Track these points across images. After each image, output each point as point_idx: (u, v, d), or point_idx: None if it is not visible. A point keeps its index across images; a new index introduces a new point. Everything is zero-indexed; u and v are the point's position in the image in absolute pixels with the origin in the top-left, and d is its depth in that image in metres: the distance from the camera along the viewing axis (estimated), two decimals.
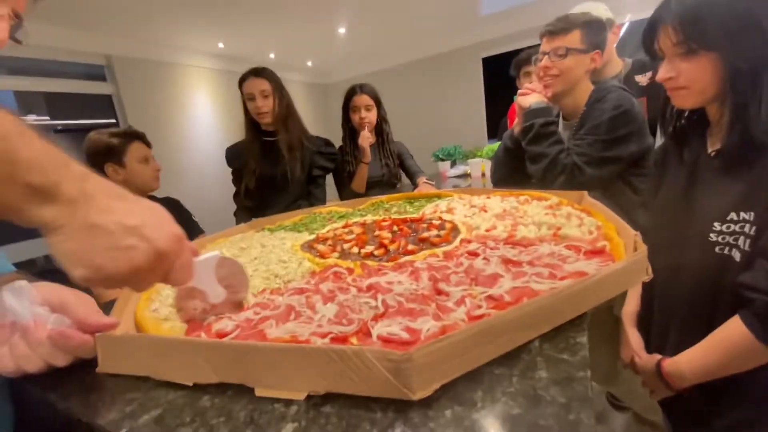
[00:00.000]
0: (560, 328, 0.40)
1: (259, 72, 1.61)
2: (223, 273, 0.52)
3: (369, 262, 0.68)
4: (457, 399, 0.32)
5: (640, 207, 1.02)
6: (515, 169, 1.41)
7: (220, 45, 3.97)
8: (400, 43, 4.67)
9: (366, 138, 1.83)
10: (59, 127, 4.20)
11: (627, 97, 1.16)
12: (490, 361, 0.36)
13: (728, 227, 0.69)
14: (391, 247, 0.76)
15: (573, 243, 0.61)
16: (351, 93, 1.93)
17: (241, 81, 1.63)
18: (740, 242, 0.67)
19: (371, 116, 1.90)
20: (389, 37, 4.38)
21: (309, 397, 0.35)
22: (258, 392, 0.37)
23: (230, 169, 1.79)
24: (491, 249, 0.65)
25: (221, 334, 0.46)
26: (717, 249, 0.70)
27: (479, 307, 0.45)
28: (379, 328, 0.42)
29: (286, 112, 1.64)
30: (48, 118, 3.92)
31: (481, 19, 4.13)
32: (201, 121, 4.10)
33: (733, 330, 0.67)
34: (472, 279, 0.54)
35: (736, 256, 0.68)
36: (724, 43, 0.65)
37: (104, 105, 3.48)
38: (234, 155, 1.75)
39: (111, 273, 0.35)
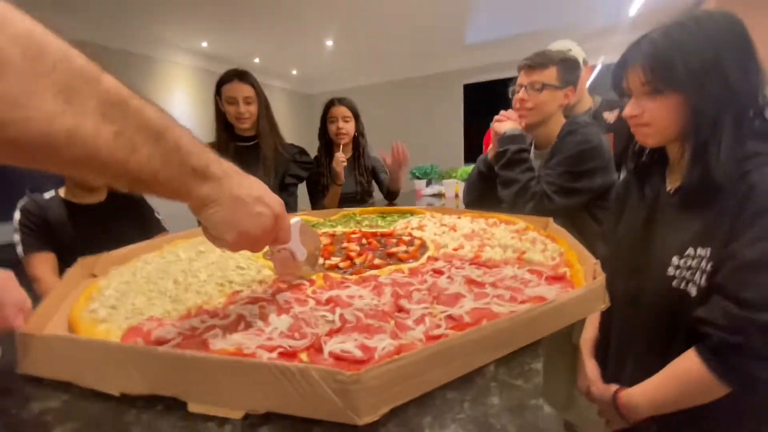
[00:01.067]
0: (516, 353, 0.39)
1: (243, 76, 1.55)
2: (304, 236, 0.58)
3: (332, 274, 0.66)
4: (406, 425, 0.30)
5: (600, 239, 1.05)
6: (487, 193, 1.44)
7: (204, 44, 3.90)
8: (385, 61, 4.76)
9: (339, 162, 1.80)
10: None
11: (596, 133, 1.22)
12: (443, 384, 0.35)
13: (685, 262, 0.71)
14: (357, 260, 0.74)
15: (536, 267, 0.62)
16: (329, 104, 1.93)
17: (222, 82, 1.56)
18: (696, 277, 0.69)
19: (348, 128, 1.90)
20: (376, 54, 4.45)
21: (247, 417, 0.32)
22: (191, 408, 0.34)
23: None
24: (456, 268, 0.65)
25: (161, 341, 0.42)
26: (674, 283, 0.72)
27: (438, 326, 0.43)
28: (332, 345, 0.39)
29: (267, 119, 1.60)
30: None
31: (465, 48, 4.29)
32: (177, 119, 3.97)
33: (688, 364, 0.68)
34: (434, 297, 0.52)
35: (692, 291, 0.70)
36: (690, 85, 0.68)
37: None
38: None
39: (252, 235, 0.42)
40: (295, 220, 0.56)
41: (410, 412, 0.31)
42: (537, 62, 1.27)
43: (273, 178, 1.59)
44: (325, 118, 1.94)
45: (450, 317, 0.46)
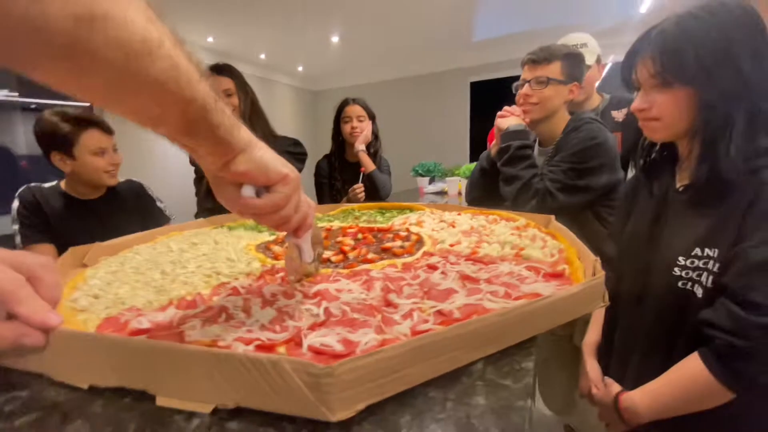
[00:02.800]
0: (507, 351, 0.37)
1: (220, 69, 1.51)
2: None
3: (323, 270, 0.64)
4: (382, 424, 0.28)
5: (607, 238, 1.02)
6: (489, 190, 1.41)
7: (210, 39, 3.91)
8: (392, 59, 4.73)
9: (357, 195, 1.80)
10: (33, 106, 3.99)
11: (602, 129, 1.19)
12: (426, 382, 0.33)
13: (692, 262, 0.68)
14: (351, 255, 0.72)
15: (533, 264, 0.59)
16: (344, 104, 1.91)
17: None
18: (703, 278, 0.66)
19: (363, 126, 1.88)
20: (382, 52, 4.43)
21: (215, 411, 0.30)
22: (159, 401, 0.32)
23: None
24: (451, 264, 0.63)
25: (134, 332, 0.41)
26: (680, 284, 0.70)
27: (426, 321, 0.41)
28: (312, 338, 0.37)
29: (251, 110, 1.55)
30: (17, 94, 3.73)
31: (473, 45, 4.25)
32: None
33: (691, 367, 0.65)
34: (425, 292, 0.50)
35: (698, 292, 0.67)
36: (700, 78, 0.65)
37: None
38: None
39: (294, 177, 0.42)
40: None
41: (388, 410, 0.29)
42: (541, 57, 1.25)
43: None
44: (339, 118, 1.91)
45: (439, 312, 0.44)
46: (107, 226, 1.23)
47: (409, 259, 0.68)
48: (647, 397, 0.71)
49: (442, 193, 2.42)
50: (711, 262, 0.65)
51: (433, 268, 0.61)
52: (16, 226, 1.16)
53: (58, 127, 1.17)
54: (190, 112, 0.32)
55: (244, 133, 0.39)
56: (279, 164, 0.41)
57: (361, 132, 1.87)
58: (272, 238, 0.88)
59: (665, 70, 0.68)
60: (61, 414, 0.32)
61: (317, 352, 0.36)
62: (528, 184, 1.17)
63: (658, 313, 0.74)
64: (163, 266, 0.66)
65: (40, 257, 0.30)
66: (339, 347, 0.36)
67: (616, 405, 0.76)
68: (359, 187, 1.81)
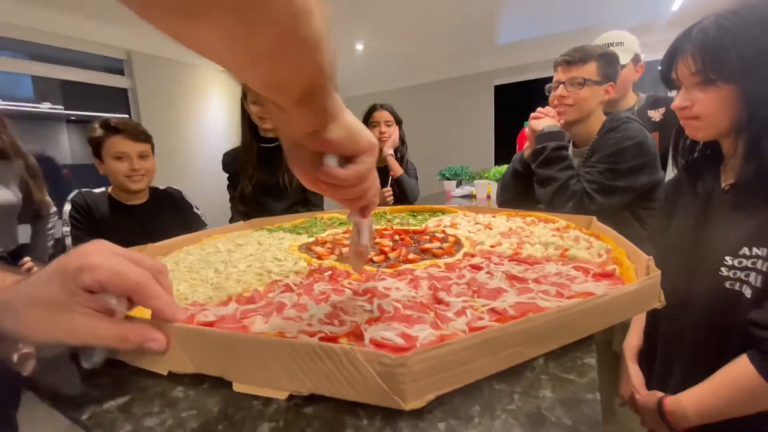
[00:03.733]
0: (567, 348, 0.37)
1: None
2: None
3: (367, 268, 0.66)
4: (453, 413, 0.29)
5: (647, 240, 0.99)
6: (522, 193, 1.40)
7: None
8: (415, 64, 4.74)
9: (385, 198, 1.82)
10: (72, 117, 4.25)
11: (641, 129, 1.16)
12: (490, 376, 0.33)
13: (740, 262, 0.66)
14: (392, 255, 0.73)
15: (581, 264, 0.59)
16: (372, 109, 1.94)
17: None
18: (752, 278, 0.65)
19: (391, 131, 1.90)
20: (406, 57, 4.45)
21: (291, 397, 0.32)
22: (236, 387, 0.34)
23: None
24: (495, 264, 0.63)
25: (201, 324, 0.43)
26: (727, 284, 0.68)
27: (481, 318, 0.42)
28: (373, 332, 0.39)
29: None
30: (62, 107, 3.97)
31: (497, 48, 4.21)
32: (213, 122, 4.14)
33: (740, 369, 0.63)
34: (474, 291, 0.51)
35: (747, 292, 0.65)
36: (743, 75, 0.64)
37: (119, 99, 3.52)
38: (231, 160, 1.70)
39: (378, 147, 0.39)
40: None
41: (457, 401, 0.30)
42: (576, 58, 1.23)
43: (297, 179, 1.60)
44: (367, 123, 1.94)
45: (493, 310, 0.44)
46: (148, 231, 1.30)
47: (450, 260, 0.68)
48: (694, 399, 0.69)
49: (470, 196, 2.41)
50: (760, 261, 0.63)
51: (477, 268, 0.61)
52: (67, 228, 1.24)
53: (93, 132, 1.30)
54: (318, 78, 0.30)
55: (337, 98, 0.35)
56: (366, 132, 0.38)
57: (389, 137, 1.89)
58: (312, 240, 0.90)
59: (706, 68, 0.67)
60: (147, 398, 0.34)
61: (379, 345, 0.37)
62: (565, 186, 1.15)
63: (705, 315, 0.72)
64: (216, 265, 0.69)
65: (157, 261, 0.32)
66: (400, 341, 0.37)
67: (660, 409, 0.74)
68: (387, 191, 1.83)
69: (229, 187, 1.78)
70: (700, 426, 0.69)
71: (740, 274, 0.67)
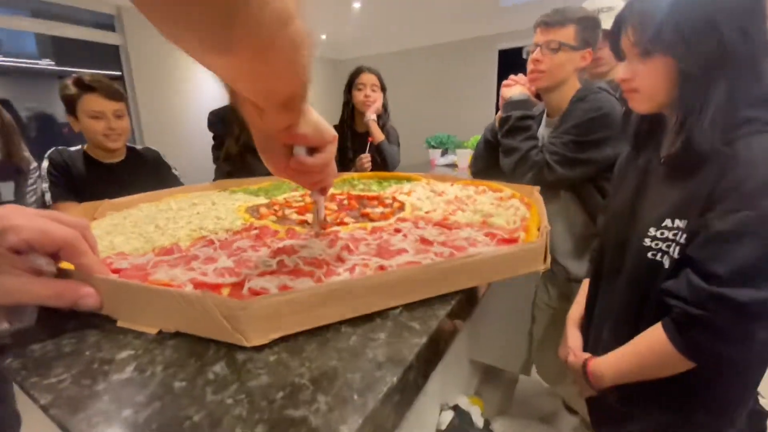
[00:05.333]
0: (429, 302, 0.41)
1: None
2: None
3: (298, 229, 0.69)
4: (289, 348, 0.33)
5: (601, 211, 1.01)
6: (493, 164, 1.40)
7: None
8: (415, 25, 4.56)
9: (364, 164, 1.81)
10: (65, 75, 4.20)
11: (609, 99, 1.14)
12: (344, 321, 0.37)
13: (662, 233, 0.68)
14: (329, 218, 0.76)
15: (494, 231, 0.61)
16: (358, 71, 1.89)
17: None
18: (671, 249, 0.67)
19: (376, 96, 1.87)
20: (405, 18, 4.28)
21: (160, 332, 0.36)
22: (120, 323, 0.38)
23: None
24: (419, 228, 0.66)
25: (114, 271, 0.47)
26: (650, 254, 0.70)
27: (364, 275, 0.45)
28: (254, 283, 0.42)
29: None
30: (53, 63, 3.93)
31: (502, 10, 4.02)
32: (205, 80, 4.07)
33: (653, 336, 0.67)
34: (376, 252, 0.54)
35: (666, 262, 0.68)
36: (679, 46, 0.63)
37: (111, 56, 3.48)
38: (217, 119, 1.70)
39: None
40: None
41: (301, 340, 0.34)
42: (554, 20, 1.19)
43: None
44: (351, 86, 1.90)
45: (380, 268, 0.47)
46: (125, 189, 1.33)
47: (381, 224, 0.71)
48: (611, 362, 0.74)
49: (453, 165, 2.40)
50: (680, 233, 0.65)
51: (398, 231, 0.64)
52: (45, 185, 1.28)
53: (66, 90, 1.28)
54: (302, 87, 0.33)
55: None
56: (328, 126, 0.44)
57: (374, 101, 1.86)
58: (266, 201, 0.94)
59: (644, 39, 0.65)
60: (34, 328, 0.38)
61: (255, 293, 0.41)
62: (525, 157, 1.15)
63: (630, 284, 0.75)
64: (158, 221, 0.73)
65: (79, 218, 0.35)
66: (274, 291, 0.41)
67: (584, 369, 0.79)
68: (366, 157, 1.83)
69: (213, 147, 1.78)
70: (619, 386, 0.74)
71: (662, 245, 0.69)
